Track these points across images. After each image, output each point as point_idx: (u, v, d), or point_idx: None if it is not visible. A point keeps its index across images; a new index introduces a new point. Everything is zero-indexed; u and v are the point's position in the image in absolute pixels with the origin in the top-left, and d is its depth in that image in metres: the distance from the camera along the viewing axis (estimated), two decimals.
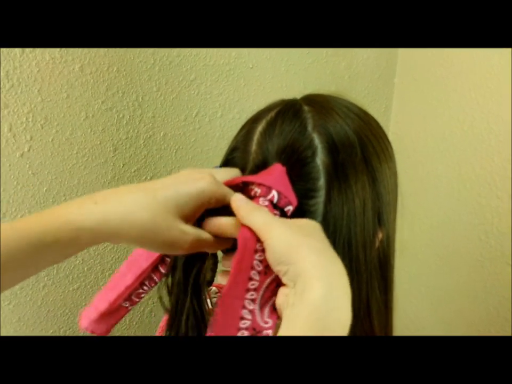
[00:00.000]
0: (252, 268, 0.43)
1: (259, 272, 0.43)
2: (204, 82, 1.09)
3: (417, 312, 1.41)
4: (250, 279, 0.43)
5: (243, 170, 0.54)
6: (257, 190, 0.48)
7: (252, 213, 0.44)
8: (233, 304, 0.42)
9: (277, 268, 0.41)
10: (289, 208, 0.47)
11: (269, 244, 0.41)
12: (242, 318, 0.42)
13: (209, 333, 0.42)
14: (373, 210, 0.52)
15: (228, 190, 0.48)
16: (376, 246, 0.54)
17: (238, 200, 0.46)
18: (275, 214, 0.46)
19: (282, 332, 0.38)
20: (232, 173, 0.52)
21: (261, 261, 0.43)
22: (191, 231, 0.47)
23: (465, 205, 1.25)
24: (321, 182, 0.50)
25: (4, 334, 0.98)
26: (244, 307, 0.42)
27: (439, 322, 1.37)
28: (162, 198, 0.44)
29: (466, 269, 1.27)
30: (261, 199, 0.47)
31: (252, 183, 0.48)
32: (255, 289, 0.43)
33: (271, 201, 0.47)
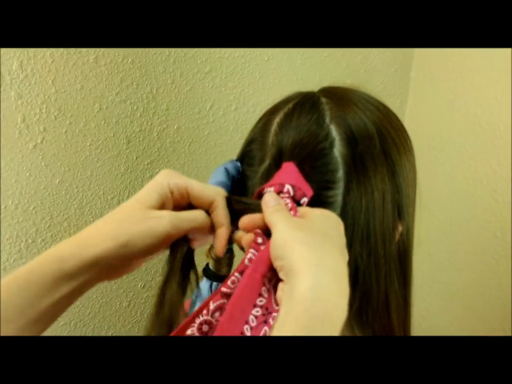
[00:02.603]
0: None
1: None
2: (219, 75, 1.08)
3: (430, 309, 1.40)
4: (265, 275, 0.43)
5: (261, 163, 0.53)
6: (270, 190, 0.48)
7: (273, 213, 0.44)
8: (254, 282, 0.43)
9: (275, 263, 0.41)
10: (305, 200, 0.47)
11: (271, 240, 0.42)
12: (260, 295, 0.43)
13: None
14: (392, 203, 0.51)
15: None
16: (396, 240, 0.53)
17: (267, 199, 0.46)
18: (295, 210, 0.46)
19: (274, 330, 0.38)
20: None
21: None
22: (163, 213, 0.47)
23: (481, 201, 1.23)
24: (340, 173, 0.50)
25: None
26: (264, 284, 0.43)
27: (452, 320, 1.36)
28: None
29: (480, 266, 1.26)
30: (283, 199, 0.47)
31: (263, 188, 0.49)
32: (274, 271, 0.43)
33: (290, 196, 0.47)
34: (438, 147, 1.33)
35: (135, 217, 0.46)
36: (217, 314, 0.44)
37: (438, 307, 1.38)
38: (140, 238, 0.45)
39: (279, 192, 0.47)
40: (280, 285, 0.41)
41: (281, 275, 0.40)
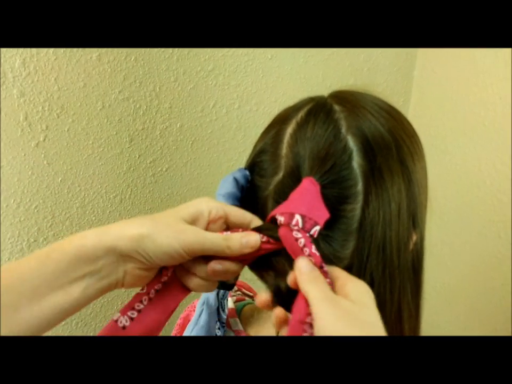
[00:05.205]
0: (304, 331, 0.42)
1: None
2: (222, 73, 1.07)
3: (432, 310, 1.40)
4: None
5: (273, 175, 0.52)
6: (280, 219, 0.46)
7: (308, 284, 0.43)
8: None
9: None
10: (316, 229, 0.46)
11: (316, 325, 0.40)
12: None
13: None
14: (407, 212, 0.50)
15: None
16: (410, 249, 0.52)
17: (300, 266, 0.44)
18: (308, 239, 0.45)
19: None
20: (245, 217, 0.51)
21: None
22: (192, 226, 0.47)
23: (485, 201, 1.23)
24: (359, 187, 0.48)
25: None
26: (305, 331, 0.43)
27: (454, 320, 1.35)
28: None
29: (483, 267, 1.25)
30: (294, 232, 0.45)
31: (275, 214, 0.47)
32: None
33: (300, 228, 0.46)
34: (441, 147, 1.33)
35: (164, 219, 0.46)
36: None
37: (439, 307, 1.38)
38: (161, 236, 0.44)
39: (289, 223, 0.46)
40: None
41: None
